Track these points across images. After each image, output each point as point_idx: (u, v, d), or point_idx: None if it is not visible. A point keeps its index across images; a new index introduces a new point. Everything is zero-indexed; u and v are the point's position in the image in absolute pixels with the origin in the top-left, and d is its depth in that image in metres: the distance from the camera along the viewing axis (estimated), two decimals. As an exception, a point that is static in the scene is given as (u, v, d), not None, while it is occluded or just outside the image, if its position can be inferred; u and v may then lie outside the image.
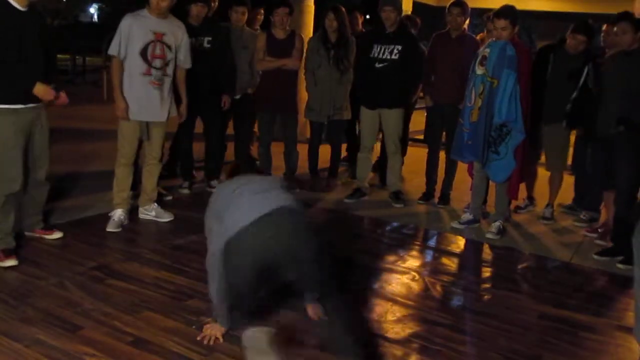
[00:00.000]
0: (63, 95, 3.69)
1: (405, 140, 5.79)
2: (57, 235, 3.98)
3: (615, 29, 4.23)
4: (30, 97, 3.54)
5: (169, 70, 4.28)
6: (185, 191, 5.23)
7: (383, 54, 5.01)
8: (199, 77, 4.90)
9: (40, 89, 3.52)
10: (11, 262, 3.49)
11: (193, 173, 5.50)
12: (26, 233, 3.93)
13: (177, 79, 4.41)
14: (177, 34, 4.28)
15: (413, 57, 5.04)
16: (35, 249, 3.77)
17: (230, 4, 5.36)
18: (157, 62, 4.18)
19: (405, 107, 5.32)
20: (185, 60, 4.39)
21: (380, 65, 5.01)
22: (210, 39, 5.02)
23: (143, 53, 4.11)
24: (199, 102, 5.00)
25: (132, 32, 4.09)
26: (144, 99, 4.19)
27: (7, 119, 3.46)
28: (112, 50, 4.13)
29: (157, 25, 4.16)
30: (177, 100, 4.47)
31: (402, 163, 5.51)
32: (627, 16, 4.17)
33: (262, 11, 5.98)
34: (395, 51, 4.97)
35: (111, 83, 4.27)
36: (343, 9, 5.29)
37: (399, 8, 5.04)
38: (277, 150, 5.60)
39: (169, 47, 4.22)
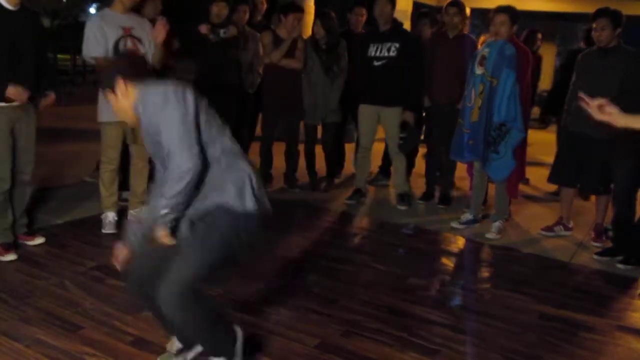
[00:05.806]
0: (52, 96, 3.70)
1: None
2: (39, 241, 3.84)
3: (594, 24, 4.16)
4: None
5: None
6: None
7: (380, 52, 4.97)
8: (217, 70, 4.82)
9: (12, 91, 3.43)
10: (11, 257, 3.52)
11: None
12: None
13: None
14: (144, 27, 4.12)
15: (413, 55, 4.95)
16: (35, 248, 3.76)
17: (235, 2, 5.33)
18: None
19: (404, 106, 5.10)
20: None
21: (379, 63, 4.97)
22: (225, 30, 4.92)
23: (115, 51, 3.96)
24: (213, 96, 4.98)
25: (104, 32, 3.94)
26: None
27: None
28: (94, 51, 3.93)
29: (124, 21, 4.02)
30: None
31: (407, 163, 5.36)
32: (605, 12, 4.11)
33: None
34: (393, 48, 4.92)
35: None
36: (332, 15, 5.25)
37: (392, 1, 4.98)
38: (278, 150, 5.60)
39: (140, 40, 4.06)
